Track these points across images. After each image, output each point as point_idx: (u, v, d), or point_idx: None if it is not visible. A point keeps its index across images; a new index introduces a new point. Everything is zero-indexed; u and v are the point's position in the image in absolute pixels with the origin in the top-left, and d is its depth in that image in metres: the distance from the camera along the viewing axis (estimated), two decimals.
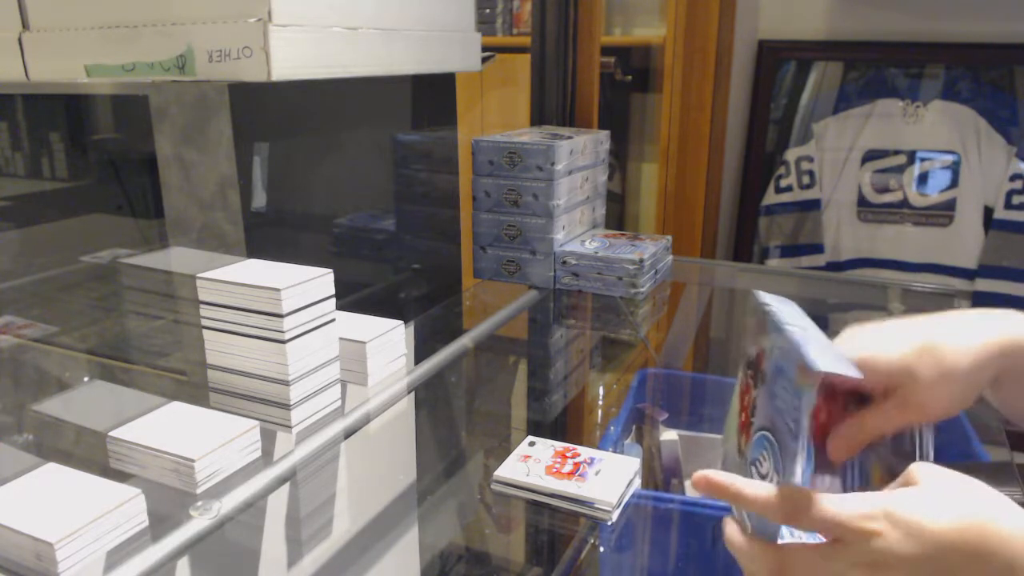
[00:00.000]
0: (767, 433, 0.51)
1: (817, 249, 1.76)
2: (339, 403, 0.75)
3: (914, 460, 0.53)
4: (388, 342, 0.79)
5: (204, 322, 0.71)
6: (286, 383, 0.68)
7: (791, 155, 1.76)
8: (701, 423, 1.14)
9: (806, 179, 1.75)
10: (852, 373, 0.46)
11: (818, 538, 0.45)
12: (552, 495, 0.74)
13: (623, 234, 1.24)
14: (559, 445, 0.81)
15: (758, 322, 0.53)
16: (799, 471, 0.45)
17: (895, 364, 0.51)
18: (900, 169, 1.69)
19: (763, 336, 0.53)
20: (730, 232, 1.90)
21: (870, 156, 1.71)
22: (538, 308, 1.18)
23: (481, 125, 1.91)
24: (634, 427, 1.10)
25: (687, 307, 1.39)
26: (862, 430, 0.52)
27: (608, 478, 0.75)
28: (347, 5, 0.79)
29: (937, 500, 0.42)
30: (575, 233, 1.21)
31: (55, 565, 0.51)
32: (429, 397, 1.10)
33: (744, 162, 1.84)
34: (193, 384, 0.87)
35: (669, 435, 1.07)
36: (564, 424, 1.28)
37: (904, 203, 1.69)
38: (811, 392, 0.45)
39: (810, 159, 1.74)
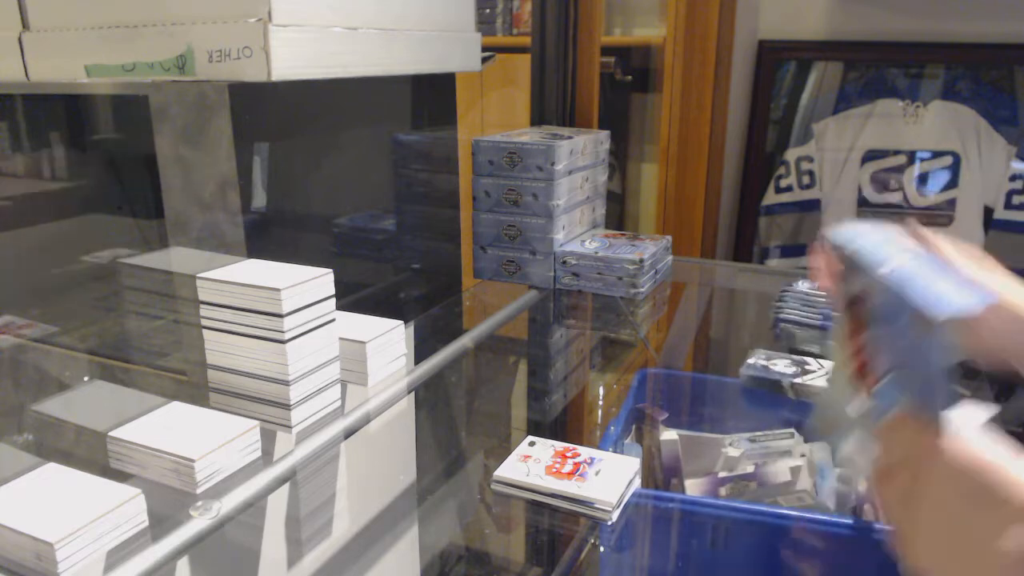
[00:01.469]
0: (898, 375, 0.46)
1: None
2: (339, 403, 0.75)
3: None
4: (388, 342, 0.79)
5: (204, 322, 0.71)
6: (286, 383, 0.68)
7: (791, 155, 1.76)
8: (701, 423, 1.14)
9: (806, 179, 1.75)
10: (975, 304, 0.42)
11: None
12: (552, 495, 0.74)
13: (623, 234, 1.24)
14: (559, 445, 0.81)
15: (846, 260, 0.50)
16: (945, 416, 0.42)
17: None
18: (900, 169, 1.69)
19: (857, 275, 0.48)
20: (730, 232, 1.90)
21: (870, 156, 1.71)
22: (538, 308, 1.18)
23: (481, 125, 1.91)
24: (634, 427, 1.10)
25: (687, 307, 1.39)
26: None
27: (608, 478, 0.75)
28: (347, 5, 0.79)
29: None
30: (575, 233, 1.21)
31: (55, 565, 0.51)
32: (429, 397, 1.10)
33: (744, 162, 1.84)
34: (193, 384, 0.87)
35: (669, 435, 1.07)
36: (564, 424, 1.28)
37: (904, 203, 1.69)
38: (933, 339, 0.41)
39: (810, 159, 1.74)
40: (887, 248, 0.48)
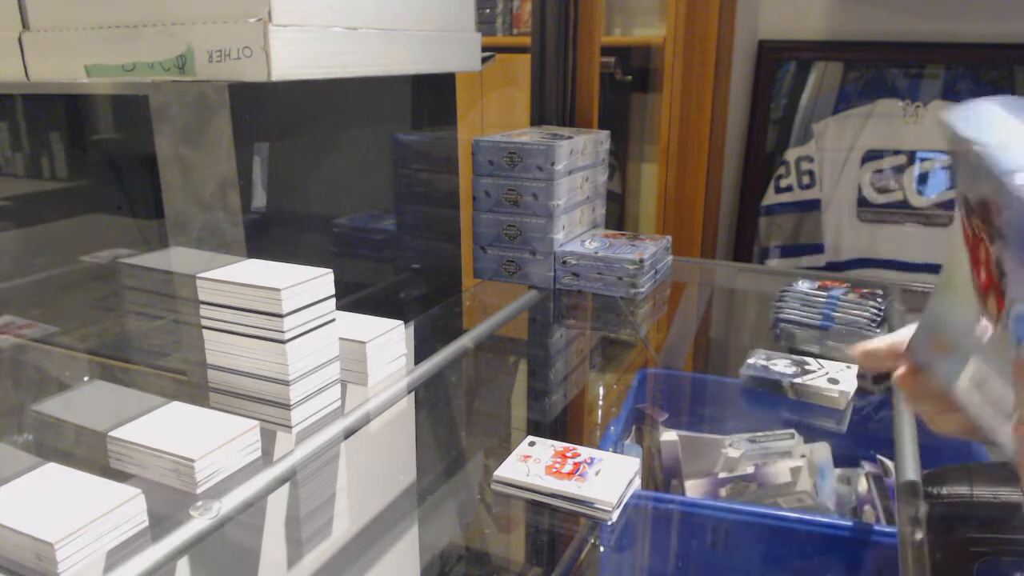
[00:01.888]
0: None
1: (817, 249, 1.76)
2: (339, 403, 0.75)
3: None
4: (388, 342, 0.79)
5: (204, 322, 0.71)
6: (286, 383, 0.68)
7: (791, 155, 1.76)
8: (701, 423, 1.14)
9: (806, 179, 1.75)
10: None
11: None
12: (552, 495, 0.74)
13: (623, 234, 1.24)
14: (559, 445, 0.81)
15: (968, 156, 0.40)
16: None
17: None
18: (900, 169, 1.69)
19: (982, 177, 0.39)
20: (730, 232, 1.90)
21: (870, 156, 1.71)
22: (538, 308, 1.18)
23: (481, 125, 1.91)
24: (634, 427, 1.10)
25: (687, 307, 1.39)
26: None
27: (608, 478, 0.75)
28: (347, 5, 0.79)
29: None
30: (575, 233, 1.21)
31: (55, 565, 0.51)
32: (429, 397, 1.10)
33: (744, 162, 1.84)
34: (193, 384, 0.87)
35: (669, 435, 1.07)
36: (564, 424, 1.29)
37: (904, 203, 1.69)
38: None
39: (810, 159, 1.74)
40: (1020, 145, 0.38)
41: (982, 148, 0.38)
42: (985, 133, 0.38)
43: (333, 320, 0.72)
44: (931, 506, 0.73)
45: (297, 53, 0.72)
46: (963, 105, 0.41)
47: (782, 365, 1.05)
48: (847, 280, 1.19)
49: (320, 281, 0.70)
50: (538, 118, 1.36)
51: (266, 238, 0.86)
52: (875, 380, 1.05)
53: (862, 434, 1.04)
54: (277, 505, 0.80)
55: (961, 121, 0.40)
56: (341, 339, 0.74)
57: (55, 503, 0.54)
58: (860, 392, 1.01)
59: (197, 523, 0.57)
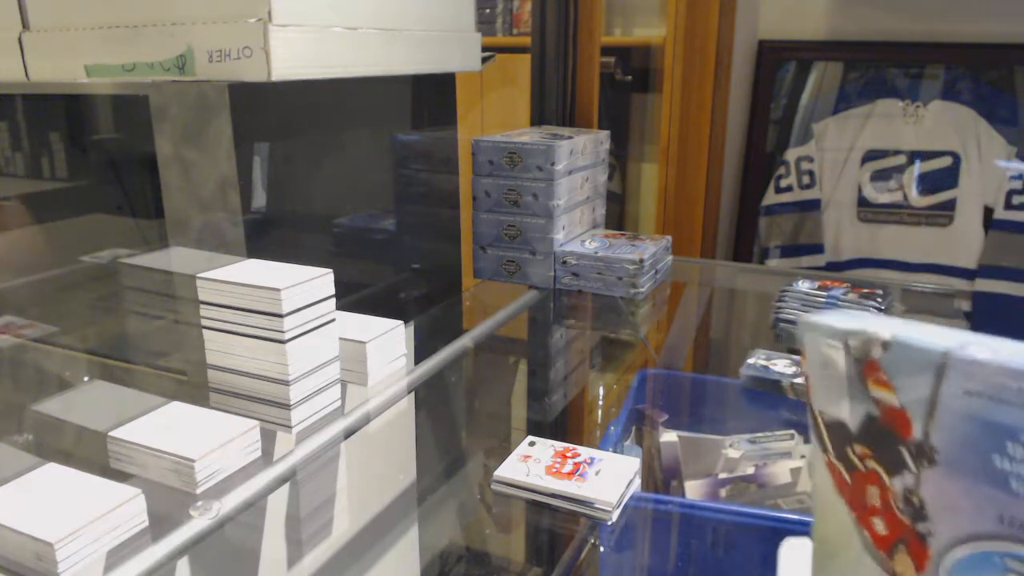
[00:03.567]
0: None
1: (817, 249, 1.76)
2: (339, 403, 0.75)
3: None
4: (388, 342, 0.79)
5: (204, 322, 0.71)
6: (286, 383, 0.68)
7: (791, 155, 1.76)
8: (701, 423, 1.14)
9: (806, 179, 1.75)
10: None
11: None
12: (552, 495, 0.74)
13: (623, 234, 1.24)
14: (559, 445, 0.81)
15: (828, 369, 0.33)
16: None
17: None
18: (900, 169, 1.69)
19: (860, 389, 0.32)
20: (730, 232, 1.90)
21: (870, 156, 1.71)
22: (538, 308, 1.18)
23: (481, 125, 1.91)
24: (634, 428, 1.10)
25: (687, 307, 1.39)
26: None
27: (608, 478, 0.75)
28: (347, 5, 0.79)
29: None
30: (575, 233, 1.21)
31: (55, 565, 0.50)
32: (429, 397, 1.10)
33: (744, 162, 1.84)
34: (193, 384, 0.87)
35: (669, 436, 1.07)
36: (564, 424, 1.28)
37: (904, 203, 1.69)
38: None
39: (810, 159, 1.74)
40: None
41: (893, 334, 0.29)
42: (872, 323, 0.30)
43: (333, 320, 0.72)
44: None
45: (297, 53, 0.72)
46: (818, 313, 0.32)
47: (782, 365, 1.05)
48: (847, 280, 1.19)
49: (320, 281, 0.70)
50: (538, 118, 1.36)
51: (266, 238, 0.86)
52: None
53: None
54: (277, 505, 0.80)
55: (830, 318, 0.32)
56: (341, 339, 0.74)
57: (55, 503, 0.54)
58: None
59: (197, 523, 0.57)
